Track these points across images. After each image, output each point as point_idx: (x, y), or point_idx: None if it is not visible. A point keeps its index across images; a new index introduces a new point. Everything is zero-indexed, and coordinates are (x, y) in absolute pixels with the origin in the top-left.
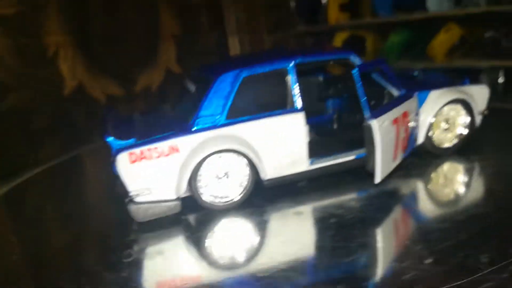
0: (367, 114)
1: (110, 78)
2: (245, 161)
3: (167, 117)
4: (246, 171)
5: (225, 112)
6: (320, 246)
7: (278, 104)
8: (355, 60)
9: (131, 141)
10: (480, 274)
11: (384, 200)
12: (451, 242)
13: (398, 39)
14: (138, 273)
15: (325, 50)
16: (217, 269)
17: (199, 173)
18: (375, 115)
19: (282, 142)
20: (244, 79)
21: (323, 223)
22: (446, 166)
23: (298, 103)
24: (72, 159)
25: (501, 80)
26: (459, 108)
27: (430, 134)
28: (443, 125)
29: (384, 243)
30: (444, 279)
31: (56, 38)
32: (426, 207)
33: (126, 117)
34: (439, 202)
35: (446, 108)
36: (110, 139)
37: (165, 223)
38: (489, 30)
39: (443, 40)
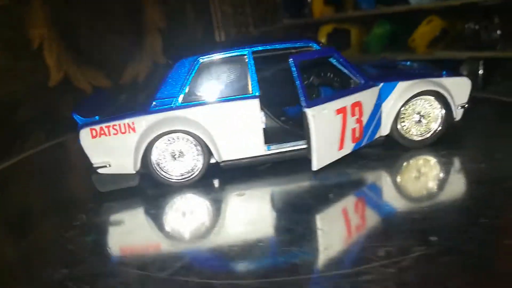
0: (303, 103)
1: (97, 69)
2: (195, 142)
3: (132, 98)
4: (198, 152)
5: (181, 95)
6: (269, 229)
7: (236, 90)
8: (316, 46)
9: (95, 118)
10: (366, 265)
11: (333, 189)
12: (366, 232)
13: (381, 32)
14: (103, 237)
15: (286, 39)
16: (173, 240)
17: (153, 151)
18: (311, 104)
19: (236, 127)
20: (202, 64)
21: (275, 207)
22: (407, 159)
23: (254, 90)
24: (55, 145)
25: (481, 71)
26: (433, 100)
27: (399, 126)
28: (416, 117)
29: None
30: (332, 267)
31: (41, 30)
32: (370, 198)
33: (96, 96)
34: (386, 195)
35: (418, 100)
36: (76, 115)
37: (126, 195)
38: (469, 22)
39: (424, 32)
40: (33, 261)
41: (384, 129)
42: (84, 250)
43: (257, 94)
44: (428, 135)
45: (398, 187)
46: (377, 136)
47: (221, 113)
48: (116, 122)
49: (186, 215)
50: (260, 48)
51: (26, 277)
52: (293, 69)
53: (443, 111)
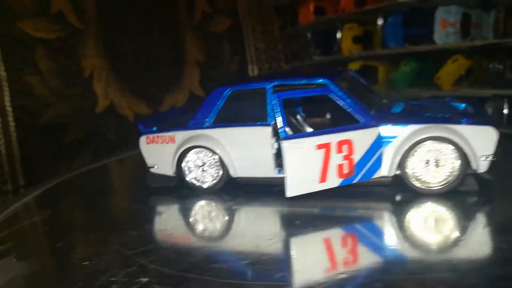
0: (281, 134)
1: (139, 98)
2: (216, 157)
3: (186, 117)
4: (218, 165)
5: (212, 118)
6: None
7: (254, 118)
8: (329, 85)
9: (153, 129)
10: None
11: (319, 220)
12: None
13: (407, 69)
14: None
15: (305, 75)
16: (201, 238)
17: (185, 160)
18: (288, 137)
19: (250, 149)
20: (231, 94)
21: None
22: (414, 205)
23: (270, 118)
24: (100, 167)
25: (506, 109)
26: (446, 148)
27: (408, 170)
28: (424, 164)
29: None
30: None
31: (92, 60)
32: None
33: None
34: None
35: (429, 146)
36: (141, 126)
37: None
38: (493, 61)
39: (450, 71)
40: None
41: (387, 170)
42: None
43: (271, 122)
44: (440, 183)
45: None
46: (376, 175)
47: (238, 135)
48: (164, 134)
49: (208, 217)
50: (279, 83)
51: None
52: (275, 105)
53: (458, 162)
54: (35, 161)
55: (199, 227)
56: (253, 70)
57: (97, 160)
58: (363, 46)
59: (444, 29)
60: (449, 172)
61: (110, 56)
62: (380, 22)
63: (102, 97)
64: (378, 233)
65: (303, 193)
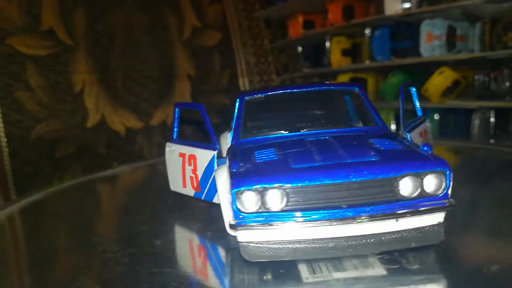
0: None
1: (129, 112)
2: None
3: None
4: None
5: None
6: None
7: None
8: None
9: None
10: None
11: None
12: None
13: (395, 81)
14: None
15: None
16: None
17: None
18: (173, 141)
19: None
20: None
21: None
22: None
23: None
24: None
25: (492, 119)
26: None
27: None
28: None
29: None
30: None
31: (82, 76)
32: None
33: None
34: None
35: None
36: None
37: None
38: (479, 73)
39: (436, 83)
40: None
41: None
42: None
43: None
44: None
45: None
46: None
47: None
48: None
49: None
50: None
51: None
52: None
53: None
54: (27, 175)
55: None
56: (244, 83)
57: (85, 174)
58: (352, 58)
59: (430, 42)
60: None
61: (101, 71)
62: (367, 35)
63: (93, 111)
64: None
65: (177, 190)
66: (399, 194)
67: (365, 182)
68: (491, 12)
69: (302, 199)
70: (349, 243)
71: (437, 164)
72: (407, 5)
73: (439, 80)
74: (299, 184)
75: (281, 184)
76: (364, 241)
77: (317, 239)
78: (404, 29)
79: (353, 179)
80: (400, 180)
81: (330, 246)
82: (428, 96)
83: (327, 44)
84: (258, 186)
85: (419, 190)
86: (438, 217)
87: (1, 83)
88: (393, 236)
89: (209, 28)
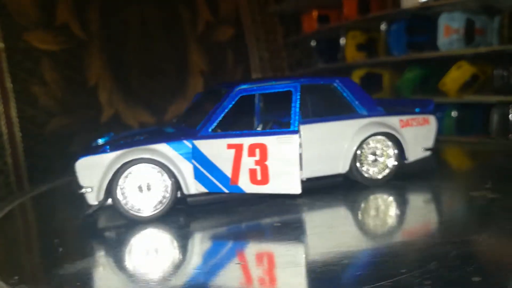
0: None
1: (143, 108)
2: None
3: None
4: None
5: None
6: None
7: None
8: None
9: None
10: None
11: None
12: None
13: (412, 76)
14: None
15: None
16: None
17: None
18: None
19: None
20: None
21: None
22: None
23: None
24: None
25: (511, 116)
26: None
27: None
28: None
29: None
30: None
31: (97, 71)
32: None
33: None
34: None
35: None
36: None
37: None
38: (498, 68)
39: (454, 77)
40: None
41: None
42: None
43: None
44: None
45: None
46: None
47: None
48: None
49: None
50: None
51: None
52: None
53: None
54: (41, 170)
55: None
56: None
57: None
58: (367, 53)
59: (448, 36)
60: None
61: (115, 66)
62: (383, 29)
63: (107, 106)
64: None
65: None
66: None
67: None
68: (511, 5)
69: None
70: None
71: None
72: None
73: (457, 74)
74: None
75: None
76: None
77: None
78: (421, 23)
79: None
80: None
81: None
82: (446, 91)
83: (342, 39)
84: None
85: None
86: None
87: (17, 78)
88: None
89: (222, 23)
